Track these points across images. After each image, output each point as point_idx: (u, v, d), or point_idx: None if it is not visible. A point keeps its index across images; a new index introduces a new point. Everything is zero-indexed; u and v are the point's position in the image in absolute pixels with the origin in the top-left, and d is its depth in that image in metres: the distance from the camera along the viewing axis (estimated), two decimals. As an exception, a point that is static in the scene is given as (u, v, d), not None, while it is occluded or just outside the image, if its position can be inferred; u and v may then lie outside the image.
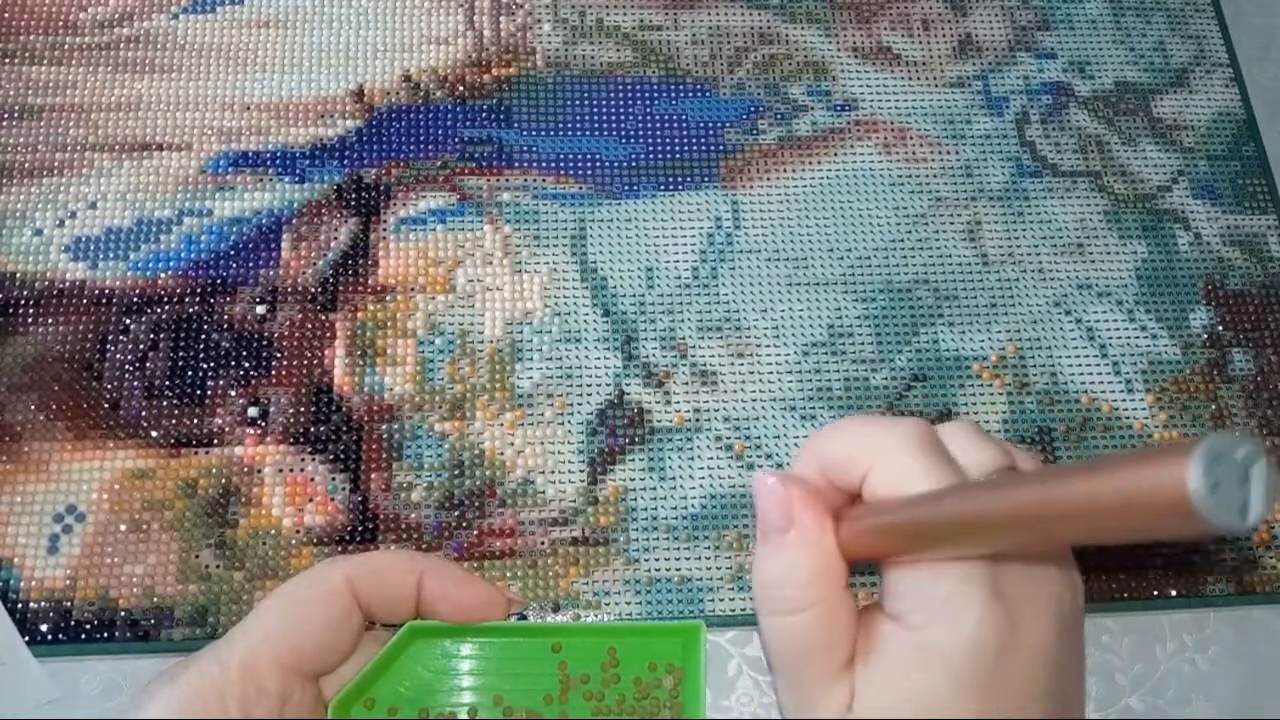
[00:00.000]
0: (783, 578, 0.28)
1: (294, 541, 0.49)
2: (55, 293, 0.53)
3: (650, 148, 0.58)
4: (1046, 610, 0.28)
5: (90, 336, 0.52)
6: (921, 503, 0.27)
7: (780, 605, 0.29)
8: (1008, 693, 0.26)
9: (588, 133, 0.58)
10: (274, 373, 0.52)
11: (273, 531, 0.49)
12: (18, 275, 0.53)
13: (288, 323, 0.53)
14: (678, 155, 0.58)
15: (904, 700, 0.27)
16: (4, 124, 0.56)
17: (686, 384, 0.53)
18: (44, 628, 0.47)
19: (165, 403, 0.51)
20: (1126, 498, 0.20)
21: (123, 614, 0.47)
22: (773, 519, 0.29)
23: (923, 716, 0.26)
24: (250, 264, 0.54)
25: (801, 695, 0.28)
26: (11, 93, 0.57)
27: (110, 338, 0.52)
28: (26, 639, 0.46)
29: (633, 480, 0.51)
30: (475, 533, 0.49)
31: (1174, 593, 0.50)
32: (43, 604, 0.47)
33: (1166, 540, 0.52)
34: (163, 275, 0.53)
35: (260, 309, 0.53)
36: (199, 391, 0.51)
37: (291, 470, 0.50)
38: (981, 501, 0.25)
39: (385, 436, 0.51)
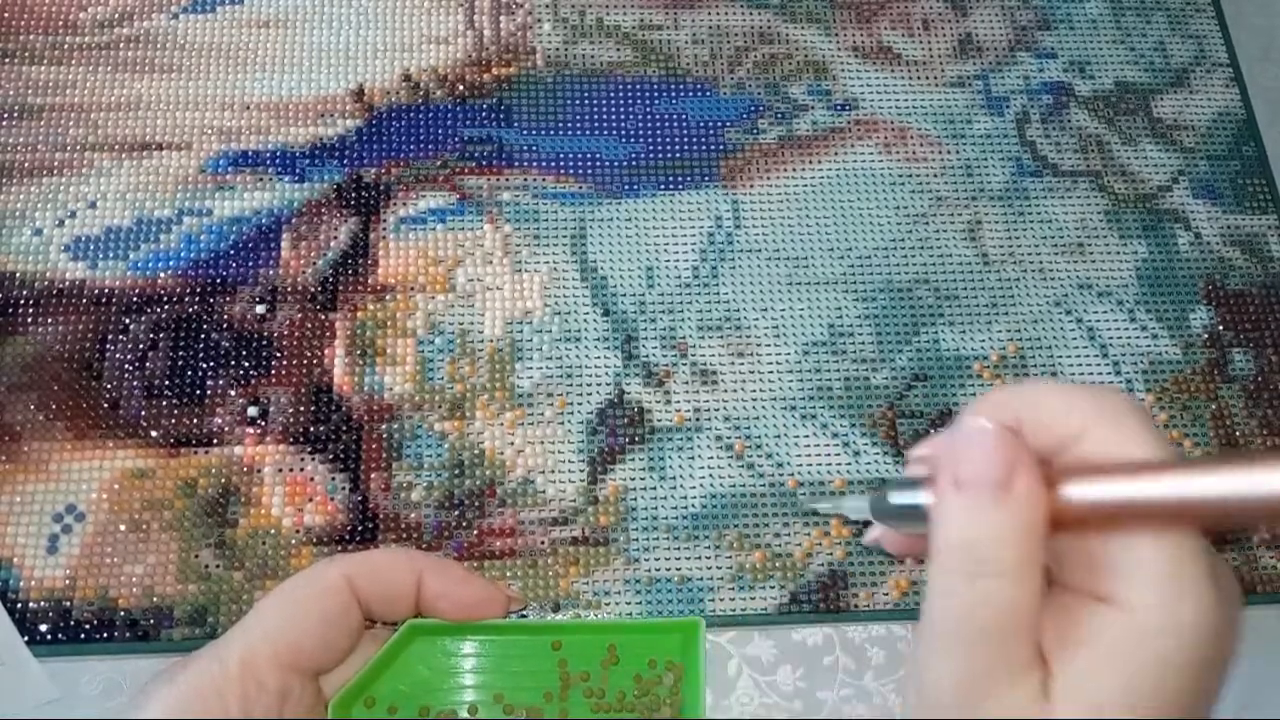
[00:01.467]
0: (999, 538, 0.24)
1: (294, 541, 0.49)
2: (55, 292, 0.53)
3: (650, 147, 0.58)
4: (1231, 595, 0.25)
5: (90, 336, 0.52)
6: (1160, 476, 0.24)
7: (992, 567, 0.24)
8: (1213, 682, 0.24)
9: (588, 132, 0.58)
10: (274, 372, 0.52)
11: (272, 531, 0.49)
12: (18, 275, 0.53)
13: (287, 322, 0.53)
14: (678, 155, 0.58)
15: (1121, 691, 0.24)
16: (4, 124, 0.56)
17: (686, 384, 0.53)
18: (44, 628, 0.47)
19: (165, 402, 0.51)
20: None
21: (122, 614, 0.47)
22: (988, 470, 0.25)
23: (1138, 710, 0.24)
24: (250, 264, 0.54)
25: (984, 682, 0.25)
26: (11, 93, 0.57)
27: (110, 337, 0.52)
28: (26, 639, 0.46)
29: (633, 480, 0.51)
30: (475, 532, 0.49)
31: (1175, 592, 0.50)
32: (42, 604, 0.47)
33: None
34: (162, 275, 0.53)
35: (260, 309, 0.53)
36: (199, 391, 0.51)
37: (291, 470, 0.50)
38: (1239, 482, 0.23)
39: (385, 436, 0.51)
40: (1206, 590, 0.24)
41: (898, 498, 0.29)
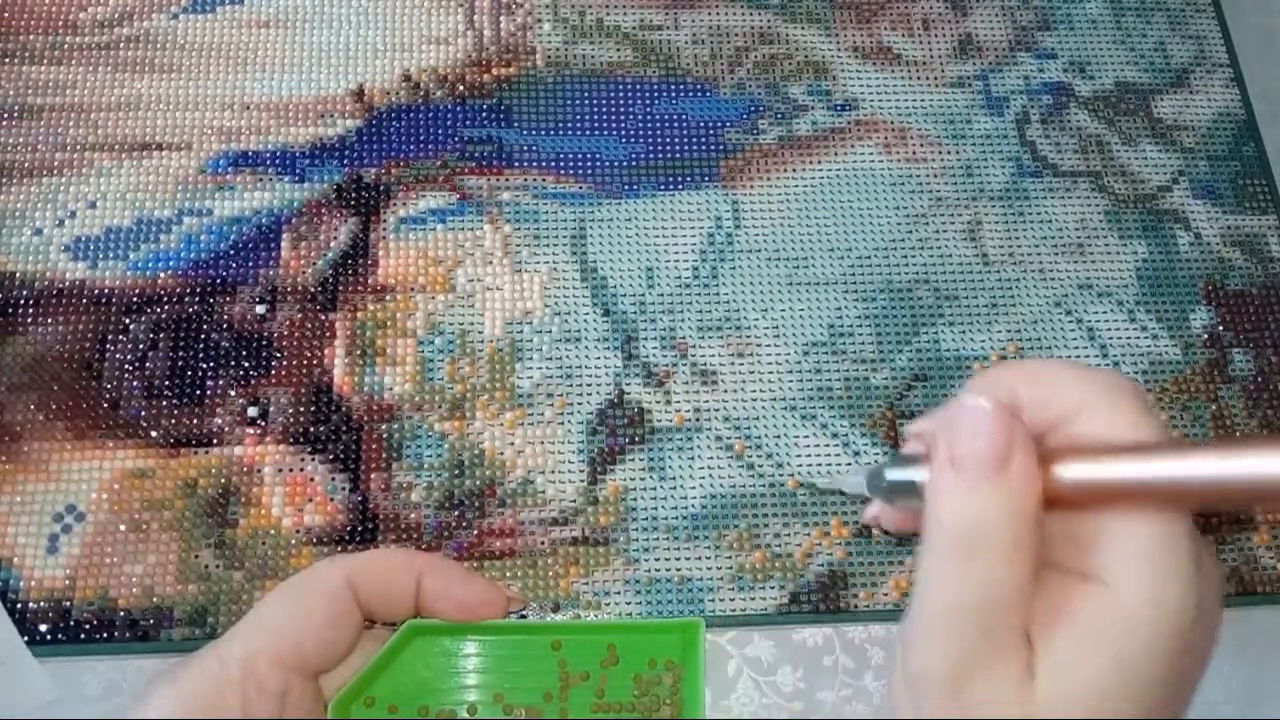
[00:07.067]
0: (992, 520, 0.24)
1: (294, 541, 0.49)
2: (55, 293, 0.53)
3: (650, 148, 0.58)
4: (1214, 580, 0.26)
5: (90, 336, 0.52)
6: (1153, 458, 0.24)
7: (984, 550, 0.24)
8: (1194, 668, 0.25)
9: (588, 133, 0.58)
10: (274, 373, 0.52)
11: (272, 531, 0.49)
12: (18, 275, 0.53)
13: (287, 322, 0.53)
14: (678, 155, 0.58)
15: (1103, 672, 0.24)
16: (4, 124, 0.56)
17: (686, 384, 0.53)
18: (44, 628, 0.47)
19: (165, 403, 0.51)
20: None
21: (122, 614, 0.47)
22: (984, 450, 0.24)
23: (1119, 692, 0.24)
24: (250, 264, 0.54)
25: (971, 664, 0.24)
26: (11, 93, 0.57)
27: (110, 338, 0.52)
28: (26, 639, 0.46)
29: (633, 480, 0.51)
30: (475, 533, 0.49)
31: (1174, 592, 0.50)
32: (42, 604, 0.47)
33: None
34: (162, 275, 0.53)
35: (260, 309, 0.53)
36: (199, 391, 0.51)
37: (291, 470, 0.50)
38: (1229, 466, 0.23)
39: (385, 436, 0.51)
40: (1191, 575, 0.24)
41: (893, 474, 0.28)
